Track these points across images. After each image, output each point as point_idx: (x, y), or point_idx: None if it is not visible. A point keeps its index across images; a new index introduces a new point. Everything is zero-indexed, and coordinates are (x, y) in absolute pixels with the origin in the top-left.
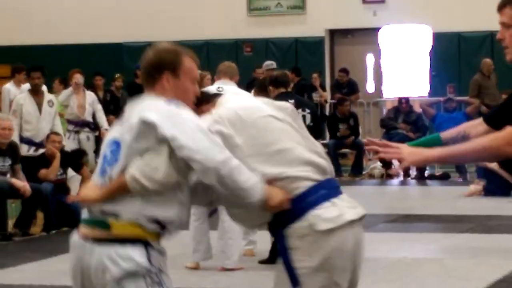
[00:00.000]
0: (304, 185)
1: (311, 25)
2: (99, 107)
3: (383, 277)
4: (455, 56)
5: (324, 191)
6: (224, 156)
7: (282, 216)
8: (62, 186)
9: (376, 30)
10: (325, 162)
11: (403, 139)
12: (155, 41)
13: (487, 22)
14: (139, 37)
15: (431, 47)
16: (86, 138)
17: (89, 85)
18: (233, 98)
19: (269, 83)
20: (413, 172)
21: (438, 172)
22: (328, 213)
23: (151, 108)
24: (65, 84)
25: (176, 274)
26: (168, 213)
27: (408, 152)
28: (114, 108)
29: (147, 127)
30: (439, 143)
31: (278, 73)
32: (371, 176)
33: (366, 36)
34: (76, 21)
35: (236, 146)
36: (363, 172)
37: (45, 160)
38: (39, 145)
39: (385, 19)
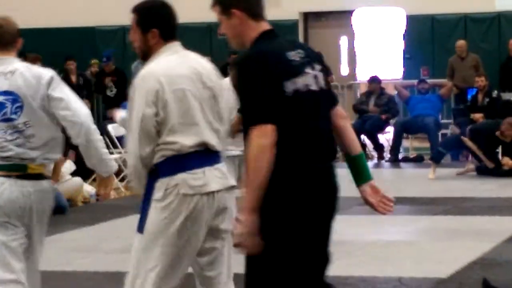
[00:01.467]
0: (183, 150)
1: (285, 8)
2: None
3: (357, 260)
4: (428, 38)
5: (199, 159)
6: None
7: (158, 170)
8: None
9: (350, 12)
10: (218, 144)
11: (376, 122)
12: (128, 25)
13: (461, 4)
14: (112, 21)
15: (404, 30)
16: None
17: (61, 70)
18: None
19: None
20: (387, 154)
21: (412, 154)
22: (194, 180)
23: None
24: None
25: None
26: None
27: None
28: (87, 93)
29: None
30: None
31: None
32: None
33: (340, 19)
34: (49, 4)
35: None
36: (337, 155)
37: None
38: None
39: (359, 2)
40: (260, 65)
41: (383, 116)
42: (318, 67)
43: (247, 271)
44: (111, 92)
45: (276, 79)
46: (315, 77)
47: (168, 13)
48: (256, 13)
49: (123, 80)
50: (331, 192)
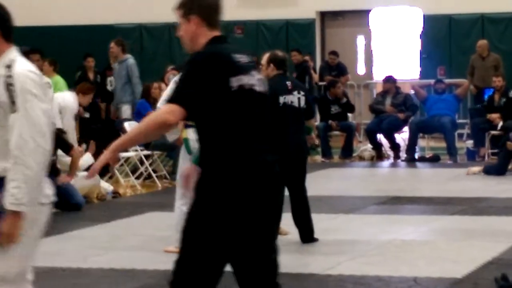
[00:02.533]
0: None
1: (302, 7)
2: None
3: (373, 259)
4: (445, 38)
5: None
6: None
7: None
8: (52, 168)
9: (367, 12)
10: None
11: (394, 121)
12: (146, 23)
13: (478, 4)
14: (130, 19)
15: (421, 30)
16: None
17: (80, 67)
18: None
19: (271, 62)
20: (403, 154)
21: (428, 154)
22: (47, 189)
23: None
24: (55, 66)
25: (164, 256)
26: None
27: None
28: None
29: None
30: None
31: (281, 54)
32: (361, 158)
33: (357, 18)
34: (68, 2)
35: None
36: (353, 155)
37: None
38: None
39: (376, 1)
40: (206, 63)
41: (401, 115)
42: (260, 74)
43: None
44: (111, 86)
45: (221, 75)
46: (259, 80)
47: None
48: (212, 22)
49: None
50: (271, 185)
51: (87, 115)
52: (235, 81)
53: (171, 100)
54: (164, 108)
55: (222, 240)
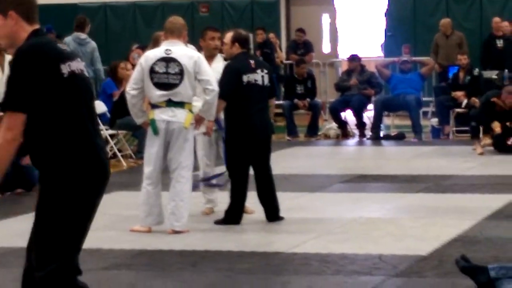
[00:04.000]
0: None
1: None
2: None
3: (338, 237)
4: (410, 16)
5: None
6: None
7: None
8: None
9: None
10: None
11: (361, 100)
12: (111, 2)
13: None
14: None
15: (386, 8)
16: None
17: None
18: None
19: (235, 40)
20: (368, 132)
21: (393, 132)
22: None
23: None
24: None
25: (130, 235)
26: None
27: None
28: None
29: None
30: None
31: (244, 33)
32: (326, 136)
33: None
34: None
35: None
36: (319, 133)
37: None
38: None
39: None
40: (34, 55)
41: (369, 91)
42: (82, 60)
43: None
44: None
45: (51, 63)
46: (80, 69)
47: None
48: (31, 17)
49: None
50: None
51: None
52: (66, 68)
53: (4, 108)
54: (4, 124)
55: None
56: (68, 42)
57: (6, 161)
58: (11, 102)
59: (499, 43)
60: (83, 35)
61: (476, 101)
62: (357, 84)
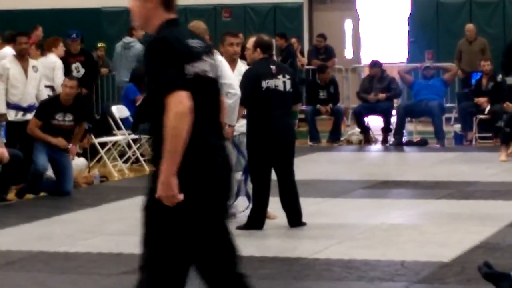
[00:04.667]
0: None
1: None
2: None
3: (361, 243)
4: (433, 22)
5: None
6: None
7: None
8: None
9: None
10: None
11: (387, 105)
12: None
13: None
14: (118, 3)
15: (409, 13)
16: None
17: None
18: None
19: (257, 46)
20: (390, 138)
21: (416, 138)
22: None
23: None
24: (42, 49)
25: None
26: None
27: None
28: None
29: None
30: None
31: (267, 38)
32: (349, 142)
33: (345, 2)
34: None
35: None
36: (341, 138)
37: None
38: (26, 110)
39: None
40: (165, 48)
41: (383, 95)
42: (214, 58)
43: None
44: (78, 72)
45: (178, 62)
46: (212, 65)
47: None
48: (170, 4)
49: (91, 61)
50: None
51: None
52: (190, 69)
53: (165, 90)
54: (168, 103)
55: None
56: (117, 46)
57: (185, 132)
58: (167, 85)
59: None
60: (129, 39)
61: (510, 105)
62: (376, 98)
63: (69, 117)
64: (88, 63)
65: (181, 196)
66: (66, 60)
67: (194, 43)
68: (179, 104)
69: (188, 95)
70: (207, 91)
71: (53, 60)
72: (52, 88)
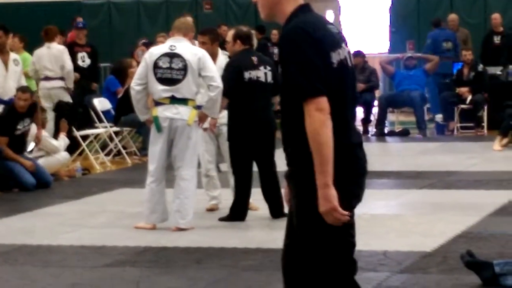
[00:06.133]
0: None
1: None
2: None
3: None
4: (414, 12)
5: None
6: None
7: None
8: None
9: None
10: None
11: (369, 96)
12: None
13: None
14: None
15: (390, 4)
16: None
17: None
18: None
19: (237, 38)
20: (372, 129)
21: (397, 128)
22: None
23: None
24: (25, 42)
25: (134, 232)
26: None
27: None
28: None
29: None
30: None
31: (246, 30)
32: None
33: None
34: None
35: None
36: None
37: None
38: (7, 103)
39: None
40: (309, 36)
41: (363, 86)
42: (348, 47)
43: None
44: (83, 62)
45: (323, 50)
46: (349, 53)
47: None
48: None
49: (96, 55)
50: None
51: None
52: (335, 56)
53: (305, 96)
54: (309, 109)
55: None
56: None
57: (329, 143)
58: (307, 90)
59: (497, 39)
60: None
61: None
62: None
63: (27, 122)
64: (93, 55)
65: (345, 215)
66: (72, 49)
67: (332, 28)
68: (322, 111)
69: (325, 99)
70: (349, 78)
71: (60, 48)
72: (62, 78)
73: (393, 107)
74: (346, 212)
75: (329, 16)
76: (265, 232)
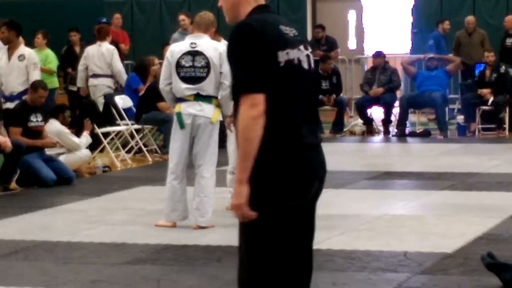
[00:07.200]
0: None
1: None
2: None
3: (363, 234)
4: (436, 13)
5: None
6: None
7: None
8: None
9: None
10: None
11: (390, 96)
12: None
13: None
14: None
15: (413, 4)
16: None
17: (67, 41)
18: None
19: None
20: (393, 129)
21: (419, 129)
22: None
23: None
24: (48, 39)
25: (155, 230)
26: None
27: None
28: None
29: None
30: None
31: None
32: (352, 133)
33: None
34: None
35: None
36: (344, 129)
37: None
38: (7, 99)
39: None
40: (253, 33)
41: (381, 90)
42: (308, 49)
43: (243, 239)
44: None
45: (269, 48)
46: (307, 56)
47: None
48: None
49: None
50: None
51: (75, 88)
52: (283, 56)
53: (240, 90)
54: (241, 105)
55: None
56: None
57: (256, 140)
58: (244, 84)
59: (509, 41)
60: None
61: None
62: (376, 94)
63: (40, 117)
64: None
65: (252, 214)
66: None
67: (286, 29)
68: (255, 107)
69: (262, 97)
70: (299, 79)
71: (110, 48)
72: (109, 76)
73: (414, 108)
74: (253, 213)
75: (351, 16)
76: None
